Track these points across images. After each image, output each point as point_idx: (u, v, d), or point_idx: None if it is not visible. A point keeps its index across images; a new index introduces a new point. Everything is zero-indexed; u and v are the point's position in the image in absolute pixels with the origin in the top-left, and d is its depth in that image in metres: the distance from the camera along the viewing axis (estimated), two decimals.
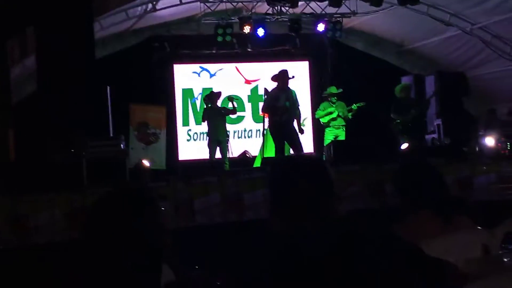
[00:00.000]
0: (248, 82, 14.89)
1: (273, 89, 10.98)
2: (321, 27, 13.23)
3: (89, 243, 2.06)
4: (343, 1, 12.37)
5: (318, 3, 12.68)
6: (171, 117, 13.99)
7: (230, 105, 12.25)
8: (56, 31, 8.90)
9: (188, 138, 14.42)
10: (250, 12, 12.90)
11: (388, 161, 8.62)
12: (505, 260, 2.59)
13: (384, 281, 1.88)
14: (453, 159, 9.37)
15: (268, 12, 12.89)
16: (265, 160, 11.50)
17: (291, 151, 10.87)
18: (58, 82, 8.89)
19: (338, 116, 12.03)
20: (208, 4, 12.49)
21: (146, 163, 10.67)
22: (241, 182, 8.24)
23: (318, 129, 13.59)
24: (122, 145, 9.13)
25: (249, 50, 14.40)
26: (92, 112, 9.05)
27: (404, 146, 11.12)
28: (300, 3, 12.36)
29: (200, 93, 14.28)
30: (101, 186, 7.29)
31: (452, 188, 7.93)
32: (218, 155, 11.86)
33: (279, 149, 10.74)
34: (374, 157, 9.26)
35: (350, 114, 12.10)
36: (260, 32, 12.89)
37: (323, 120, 12.20)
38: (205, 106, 12.29)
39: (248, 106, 14.82)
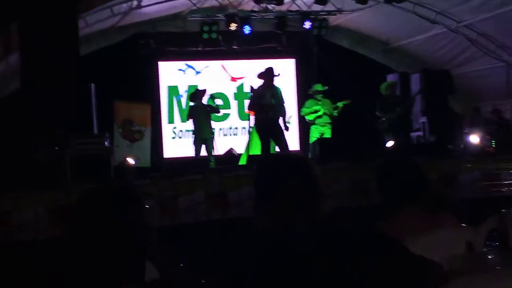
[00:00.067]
0: (233, 79, 14.87)
1: (259, 87, 10.97)
2: (307, 24, 13.24)
3: (73, 241, 2.05)
4: None
5: (304, 0, 12.69)
6: (156, 115, 13.94)
7: (215, 102, 12.23)
8: (40, 28, 8.84)
9: (173, 135, 14.39)
10: (236, 10, 12.89)
11: (373, 158, 8.65)
12: (489, 257, 2.60)
13: (369, 279, 1.88)
14: (438, 157, 9.42)
15: (254, 9, 12.87)
16: (250, 158, 11.50)
17: (277, 149, 10.87)
18: (42, 79, 8.84)
19: (324, 113, 12.04)
20: (193, 1, 12.46)
21: (130, 160, 10.63)
22: (226, 180, 8.23)
23: (304, 127, 13.61)
24: (106, 143, 9.08)
25: (235, 47, 14.38)
26: (76, 109, 9.00)
27: (390, 143, 11.15)
28: (286, 0, 12.36)
29: (185, 91, 14.25)
30: (85, 183, 7.25)
31: (436, 185, 8.01)
32: (203, 152, 11.84)
33: (265, 147, 10.74)
34: (360, 154, 9.29)
35: (335, 111, 12.11)
36: (246, 29, 12.90)
37: (308, 118, 12.21)
38: (190, 104, 12.26)
39: (233, 103, 14.81)
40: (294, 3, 12.97)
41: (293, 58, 15.26)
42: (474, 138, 11.42)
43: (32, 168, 7.76)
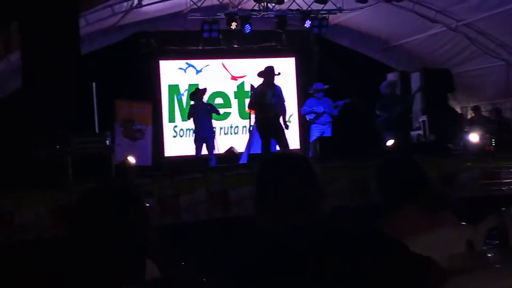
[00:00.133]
0: (234, 78, 14.88)
1: (259, 86, 10.97)
2: (307, 23, 13.24)
3: (74, 240, 2.05)
4: None
5: None
6: (157, 114, 13.95)
7: (216, 101, 12.26)
8: (41, 27, 8.83)
9: (174, 134, 14.40)
10: (236, 8, 12.89)
11: (373, 157, 8.64)
12: (489, 255, 2.60)
13: (369, 277, 1.89)
14: (438, 155, 9.41)
15: (254, 8, 12.87)
16: (251, 157, 11.50)
17: (277, 148, 10.87)
18: (43, 78, 8.83)
19: (324, 112, 12.04)
20: (194, 0, 12.46)
21: (131, 159, 10.63)
22: (227, 179, 8.23)
23: (304, 126, 13.61)
24: (107, 142, 9.07)
25: (235, 46, 14.39)
26: (77, 108, 8.99)
27: (390, 142, 11.15)
28: None
29: (186, 89, 14.26)
30: (86, 183, 7.25)
31: (436, 184, 8.00)
32: (204, 151, 11.85)
33: (266, 145, 10.74)
34: (360, 153, 9.28)
35: (336, 110, 12.11)
36: (247, 28, 12.90)
37: (309, 117, 12.21)
38: (191, 103, 12.27)
39: (234, 102, 14.81)
40: (295, 2, 12.97)
41: (293, 57, 15.27)
42: (474, 137, 11.41)
43: (33, 167, 7.75)
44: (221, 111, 13.02)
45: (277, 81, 11.08)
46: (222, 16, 12.84)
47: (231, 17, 12.75)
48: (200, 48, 14.19)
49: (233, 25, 12.78)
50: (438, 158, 9.14)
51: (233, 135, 14.65)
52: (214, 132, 12.10)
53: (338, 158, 9.14)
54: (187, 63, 14.61)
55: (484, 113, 13.99)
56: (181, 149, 13.80)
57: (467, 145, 11.25)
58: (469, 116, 14.17)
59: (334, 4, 12.82)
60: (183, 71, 14.60)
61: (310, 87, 12.60)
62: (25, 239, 6.98)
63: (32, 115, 8.76)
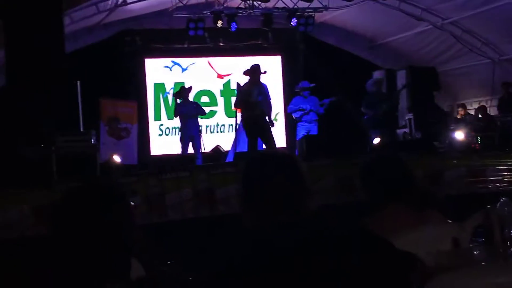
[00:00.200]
0: (220, 76, 14.86)
1: (246, 84, 10.96)
2: (293, 21, 13.24)
3: (58, 239, 2.04)
4: None
5: None
6: (143, 112, 13.92)
7: (202, 99, 12.24)
8: (25, 25, 8.78)
9: (160, 133, 14.36)
10: (222, 6, 12.87)
11: (359, 155, 8.66)
12: (475, 253, 2.61)
13: (355, 275, 1.89)
14: (424, 153, 9.45)
15: (240, 6, 12.86)
16: (237, 155, 11.49)
17: (263, 146, 10.87)
18: (27, 76, 8.77)
19: (310, 110, 12.05)
20: None
21: (117, 158, 10.59)
22: (213, 177, 8.21)
23: (290, 124, 13.62)
24: (92, 140, 9.03)
25: (221, 44, 14.39)
26: (62, 106, 8.94)
27: (376, 140, 11.17)
28: None
29: (172, 88, 14.23)
30: (71, 181, 7.20)
31: (422, 181, 8.02)
32: (190, 149, 11.83)
33: (252, 144, 10.73)
34: (346, 151, 9.30)
35: (322, 108, 12.11)
36: (233, 26, 12.89)
37: (295, 115, 12.21)
38: (177, 101, 12.24)
39: (220, 100, 14.80)
40: (281, 0, 12.97)
41: (280, 55, 15.28)
42: (460, 135, 11.49)
43: (17, 165, 7.70)
44: (207, 109, 13.01)
45: (263, 79, 11.07)
46: (208, 14, 12.82)
47: (217, 15, 12.74)
48: (186, 46, 14.17)
49: (219, 23, 12.76)
50: (424, 156, 9.18)
51: (219, 133, 14.65)
52: (200, 131, 12.09)
53: (324, 156, 9.16)
54: (172, 61, 14.58)
55: (470, 111, 14.07)
56: (167, 147, 13.77)
57: (453, 143, 11.33)
58: (455, 114, 14.24)
59: (320, 2, 12.84)
60: (168, 69, 14.56)
61: (296, 85, 12.60)
62: (9, 237, 6.92)
63: (16, 113, 8.70)
